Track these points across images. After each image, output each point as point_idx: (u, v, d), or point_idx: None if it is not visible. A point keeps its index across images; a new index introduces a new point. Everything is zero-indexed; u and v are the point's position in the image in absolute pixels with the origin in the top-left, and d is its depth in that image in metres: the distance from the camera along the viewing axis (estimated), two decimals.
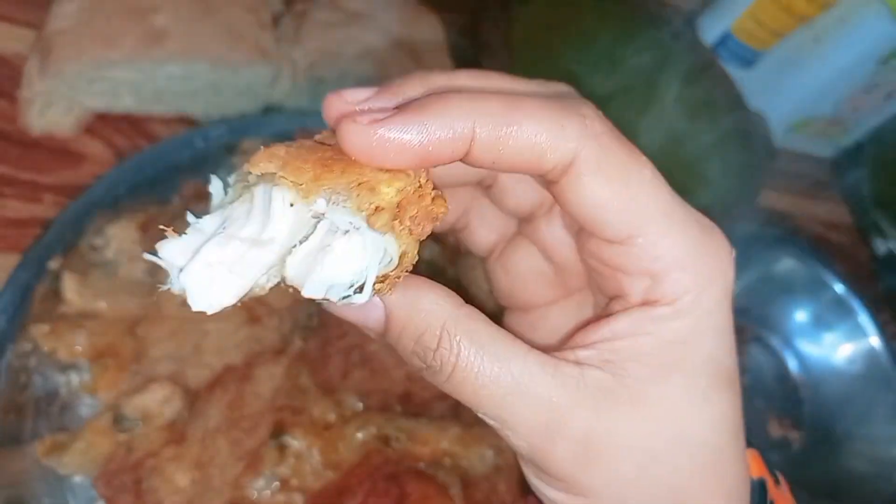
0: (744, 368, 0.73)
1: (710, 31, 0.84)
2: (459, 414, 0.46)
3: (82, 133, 0.52)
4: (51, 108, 0.50)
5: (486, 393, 0.22)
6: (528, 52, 0.67)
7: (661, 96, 0.75)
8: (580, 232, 0.26)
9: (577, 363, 0.23)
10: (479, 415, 0.23)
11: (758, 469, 0.25)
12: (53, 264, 0.44)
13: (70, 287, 0.43)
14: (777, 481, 0.26)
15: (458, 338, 0.22)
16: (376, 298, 0.23)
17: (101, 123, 0.53)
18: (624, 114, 0.70)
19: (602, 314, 0.25)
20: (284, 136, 0.54)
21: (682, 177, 0.73)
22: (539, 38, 0.69)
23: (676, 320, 0.23)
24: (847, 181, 0.95)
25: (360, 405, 0.45)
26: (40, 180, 0.49)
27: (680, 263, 0.23)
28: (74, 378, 0.44)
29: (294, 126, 0.54)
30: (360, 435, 0.41)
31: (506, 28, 0.64)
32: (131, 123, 0.54)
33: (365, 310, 0.23)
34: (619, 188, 0.23)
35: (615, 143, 0.23)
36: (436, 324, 0.23)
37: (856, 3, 0.75)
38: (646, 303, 0.24)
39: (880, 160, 0.94)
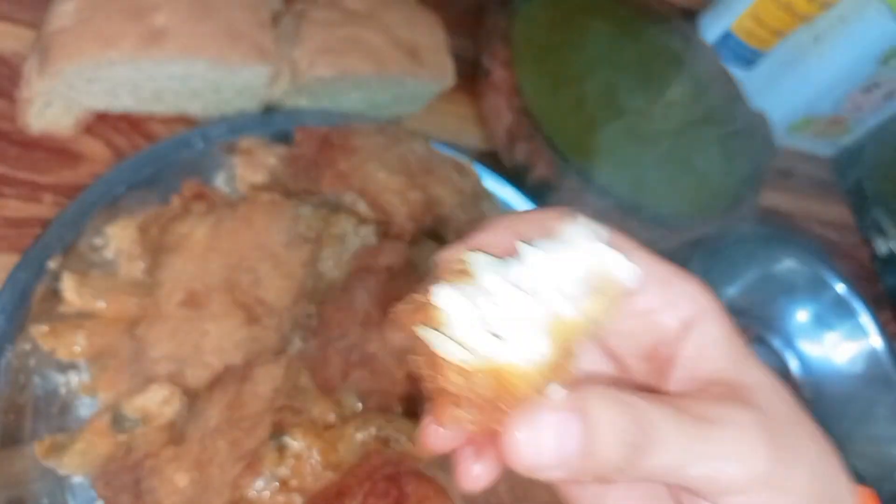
0: None
1: (711, 30, 0.84)
2: None
3: (81, 133, 0.52)
4: (50, 108, 0.49)
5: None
6: (528, 52, 0.67)
7: (662, 96, 0.75)
8: None
9: None
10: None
11: None
12: (53, 264, 0.44)
13: (69, 287, 0.43)
14: None
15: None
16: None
17: (101, 123, 0.53)
18: (625, 113, 0.71)
19: None
20: (284, 136, 0.54)
21: (683, 175, 0.73)
22: (540, 37, 0.69)
23: None
24: (848, 180, 0.95)
25: (360, 406, 0.45)
26: (39, 180, 0.49)
27: None
28: (74, 378, 0.43)
29: (292, 125, 0.54)
30: (359, 436, 0.41)
31: (506, 27, 0.64)
32: (131, 123, 0.54)
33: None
34: None
35: None
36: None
37: (856, 3, 0.75)
38: None
39: (881, 159, 0.94)
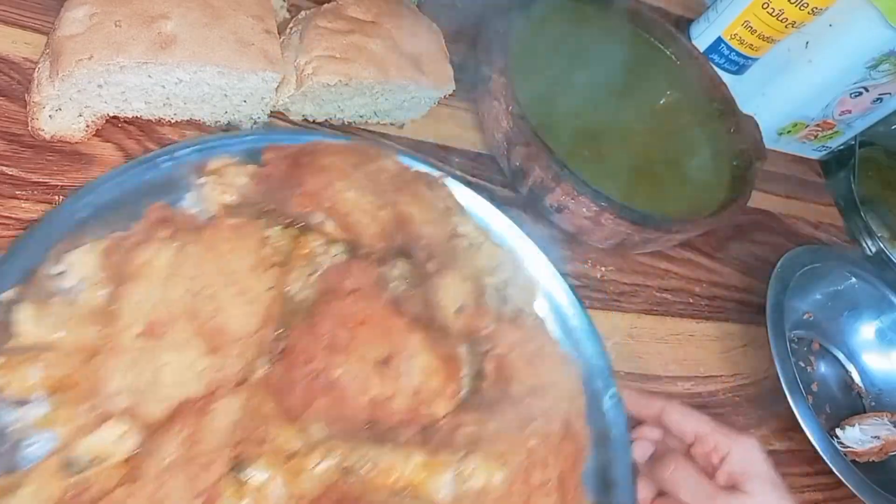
0: (812, 378, 0.73)
1: (703, 36, 0.81)
2: (426, 439, 0.41)
3: (92, 136, 0.50)
4: (61, 112, 0.47)
5: None
6: (525, 59, 0.64)
7: (655, 100, 0.73)
8: None
9: None
10: None
11: None
12: (9, 295, 0.38)
13: (27, 317, 0.38)
14: None
15: None
16: None
17: (112, 127, 0.51)
18: (618, 118, 0.68)
19: None
20: (252, 155, 0.48)
21: (674, 178, 0.71)
22: (537, 45, 0.67)
23: None
24: (836, 182, 0.93)
25: (325, 432, 0.40)
26: (52, 182, 0.47)
27: None
28: (27, 414, 0.38)
29: (261, 145, 0.50)
30: (324, 464, 0.37)
31: (504, 35, 0.61)
32: (141, 127, 0.52)
33: None
34: None
35: None
36: None
37: (846, 9, 0.72)
38: None
39: (869, 162, 0.91)
